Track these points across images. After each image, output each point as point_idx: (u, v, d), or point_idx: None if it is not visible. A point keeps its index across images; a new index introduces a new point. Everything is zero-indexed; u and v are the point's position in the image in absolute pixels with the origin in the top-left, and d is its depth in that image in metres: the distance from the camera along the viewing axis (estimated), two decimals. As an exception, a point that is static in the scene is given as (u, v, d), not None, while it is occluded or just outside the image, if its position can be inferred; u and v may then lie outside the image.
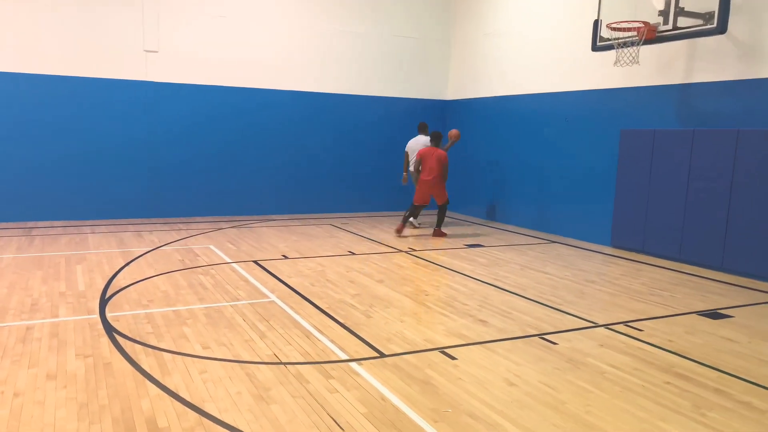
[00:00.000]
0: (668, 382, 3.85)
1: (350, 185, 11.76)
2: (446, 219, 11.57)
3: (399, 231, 9.22)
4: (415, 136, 10.10)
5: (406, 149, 10.00)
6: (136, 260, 6.93)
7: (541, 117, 10.12)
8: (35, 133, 9.26)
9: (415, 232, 9.67)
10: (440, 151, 8.95)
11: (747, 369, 4.14)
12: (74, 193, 9.60)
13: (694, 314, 5.45)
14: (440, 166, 8.89)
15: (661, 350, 4.45)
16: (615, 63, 7.76)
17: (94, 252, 7.32)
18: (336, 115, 11.46)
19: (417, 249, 8.19)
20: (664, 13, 7.26)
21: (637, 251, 8.28)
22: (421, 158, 9.00)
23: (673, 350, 4.46)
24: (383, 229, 9.92)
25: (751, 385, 3.87)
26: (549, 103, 9.93)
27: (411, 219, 9.84)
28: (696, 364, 4.20)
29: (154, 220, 9.99)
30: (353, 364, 3.97)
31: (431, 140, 9.16)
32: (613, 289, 6.31)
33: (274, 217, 10.87)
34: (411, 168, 9.56)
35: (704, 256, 7.40)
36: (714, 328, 5.04)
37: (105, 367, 3.81)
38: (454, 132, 9.58)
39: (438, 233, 9.29)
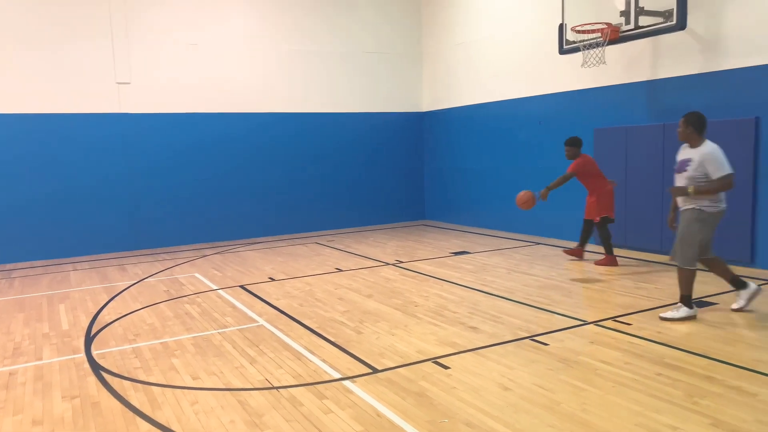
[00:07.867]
0: (660, 374, 3.87)
1: (334, 202, 11.75)
2: (430, 228, 11.62)
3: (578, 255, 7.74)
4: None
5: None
6: (121, 294, 6.84)
7: (516, 121, 10.23)
8: (9, 173, 9.12)
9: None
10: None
11: (735, 354, 4.19)
12: (53, 231, 9.45)
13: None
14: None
15: (650, 342, 4.49)
16: (582, 64, 7.90)
17: (77, 289, 7.21)
18: (314, 134, 11.47)
19: (404, 261, 8.19)
20: (625, 14, 7.42)
21: (620, 246, 8.36)
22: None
23: (662, 341, 4.50)
24: (369, 243, 9.91)
25: (740, 369, 3.91)
26: (522, 108, 10.05)
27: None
28: (685, 353, 4.24)
29: (137, 252, 9.87)
30: (346, 383, 3.94)
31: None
32: (600, 286, 6.36)
33: (259, 239, 10.81)
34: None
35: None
36: (700, 317, 5.09)
37: (93, 406, 3.73)
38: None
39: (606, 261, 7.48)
